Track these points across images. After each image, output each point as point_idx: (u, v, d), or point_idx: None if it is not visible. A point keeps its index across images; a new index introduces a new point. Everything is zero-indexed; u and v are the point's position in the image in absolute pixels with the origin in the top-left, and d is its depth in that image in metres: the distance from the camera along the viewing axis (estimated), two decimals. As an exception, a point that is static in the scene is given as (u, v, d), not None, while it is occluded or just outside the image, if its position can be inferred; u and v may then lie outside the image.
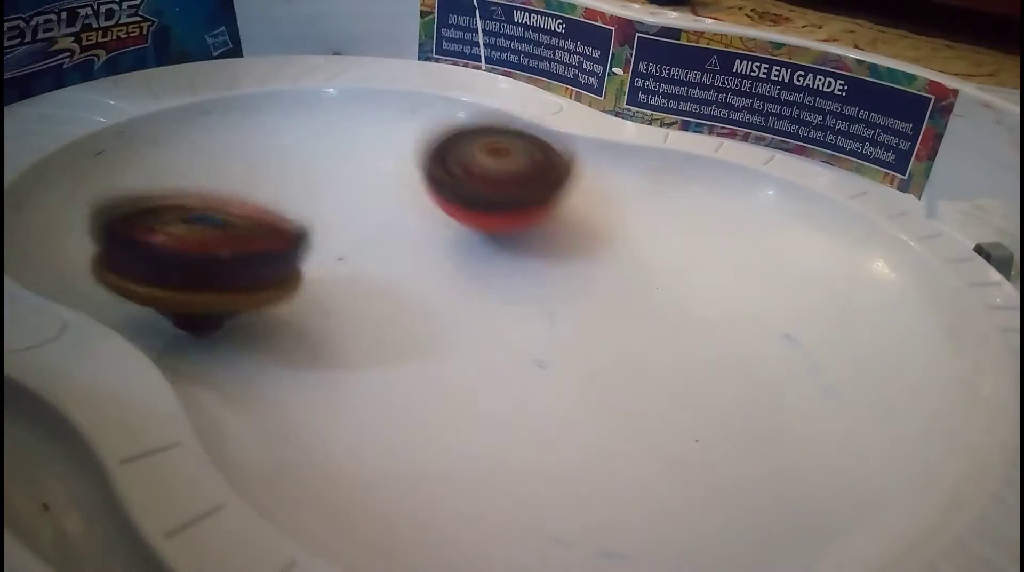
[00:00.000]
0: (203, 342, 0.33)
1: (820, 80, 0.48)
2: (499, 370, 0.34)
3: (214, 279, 0.30)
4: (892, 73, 0.46)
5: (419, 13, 0.56)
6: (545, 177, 0.39)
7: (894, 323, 0.37)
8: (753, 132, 0.51)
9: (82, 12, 0.46)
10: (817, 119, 0.49)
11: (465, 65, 0.56)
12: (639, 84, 0.52)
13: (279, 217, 0.32)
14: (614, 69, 0.52)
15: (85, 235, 0.31)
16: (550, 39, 0.54)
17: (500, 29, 0.55)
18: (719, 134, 0.51)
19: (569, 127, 0.48)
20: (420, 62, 0.57)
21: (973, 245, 0.40)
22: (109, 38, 0.48)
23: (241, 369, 0.32)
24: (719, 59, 0.50)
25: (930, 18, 0.76)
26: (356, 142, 0.48)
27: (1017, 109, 0.42)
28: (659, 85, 0.51)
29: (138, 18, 0.49)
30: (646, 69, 0.51)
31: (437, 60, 0.57)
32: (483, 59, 0.56)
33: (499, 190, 0.38)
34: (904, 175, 0.47)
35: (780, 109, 0.50)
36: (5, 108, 0.42)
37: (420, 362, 0.34)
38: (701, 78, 0.51)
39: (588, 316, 0.38)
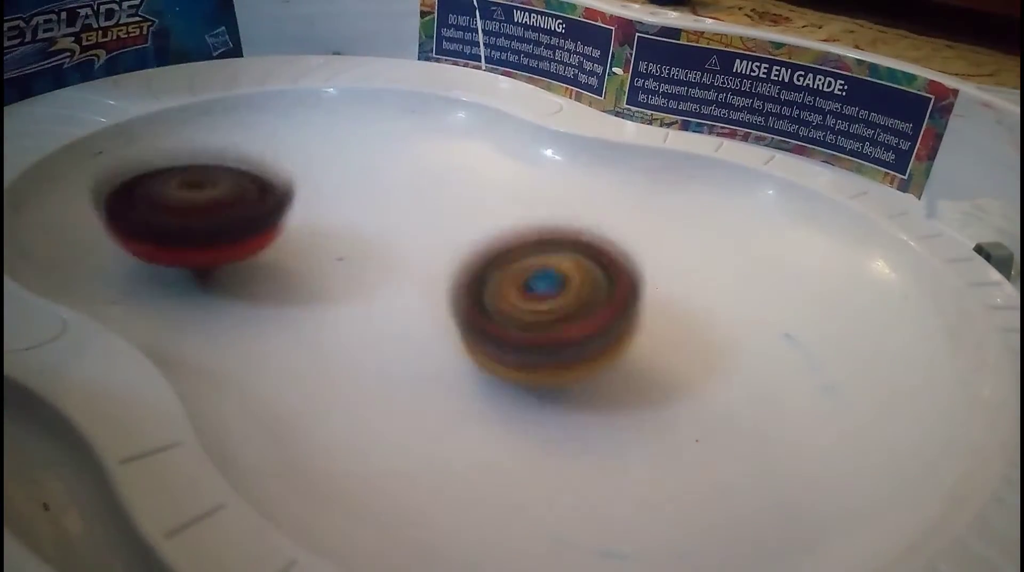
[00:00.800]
0: (204, 342, 0.33)
1: (820, 80, 0.48)
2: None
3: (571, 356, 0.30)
4: (892, 73, 0.46)
5: (419, 13, 0.56)
6: (253, 203, 0.35)
7: (894, 323, 0.37)
8: (753, 132, 0.51)
9: (82, 12, 0.46)
10: (817, 119, 0.49)
11: (465, 65, 0.56)
12: (639, 84, 0.52)
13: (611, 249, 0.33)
14: (614, 69, 0.52)
15: (85, 235, 0.31)
16: (550, 39, 0.54)
17: (500, 29, 0.55)
18: (719, 134, 0.51)
19: (569, 127, 0.48)
20: (420, 62, 0.57)
21: (973, 245, 0.40)
22: (109, 38, 0.48)
23: (241, 369, 0.32)
24: (719, 59, 0.50)
25: (930, 18, 0.76)
26: (356, 142, 0.48)
27: (1017, 109, 0.42)
28: (659, 85, 0.51)
29: (138, 18, 0.49)
30: (646, 69, 0.51)
31: (437, 60, 0.57)
32: (483, 59, 0.56)
33: (196, 219, 0.33)
34: (904, 175, 0.47)
35: (780, 109, 0.50)
36: (5, 108, 0.42)
37: (421, 362, 0.34)
38: (701, 78, 0.51)
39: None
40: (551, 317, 0.30)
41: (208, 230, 0.33)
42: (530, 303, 0.30)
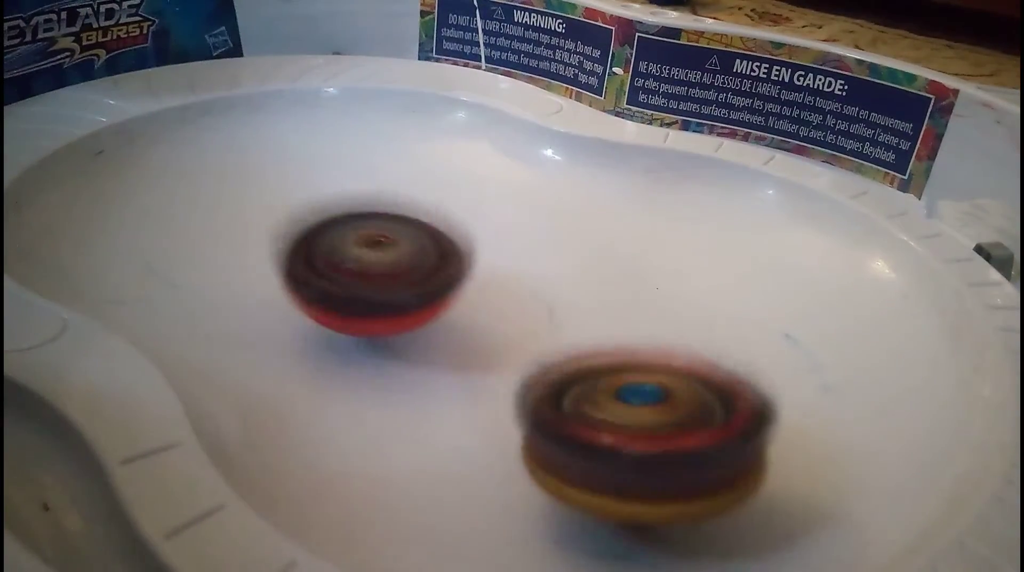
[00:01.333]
0: (204, 342, 0.33)
1: (820, 80, 0.48)
2: (499, 369, 0.34)
3: (677, 481, 0.24)
4: (892, 73, 0.46)
5: (419, 13, 0.56)
6: (436, 270, 0.32)
7: (894, 323, 0.37)
8: (753, 132, 0.51)
9: (82, 12, 0.46)
10: (817, 119, 0.49)
11: (465, 65, 0.56)
12: (639, 84, 0.52)
13: (725, 375, 0.26)
14: (614, 69, 0.52)
15: (85, 235, 0.31)
16: (550, 39, 0.54)
17: (500, 29, 0.55)
18: (719, 134, 0.51)
19: (569, 127, 0.48)
20: (420, 62, 0.57)
21: (973, 245, 0.40)
22: (109, 38, 0.48)
23: (242, 369, 0.32)
24: (719, 59, 0.50)
25: (930, 18, 0.76)
26: (356, 142, 0.48)
27: (1017, 109, 0.42)
28: (659, 85, 0.51)
29: (138, 18, 0.49)
30: (646, 69, 0.51)
31: (437, 60, 0.57)
32: (483, 59, 0.56)
33: (377, 288, 0.31)
34: (904, 175, 0.47)
35: (780, 109, 0.50)
36: (5, 108, 0.42)
37: (421, 361, 0.33)
38: (701, 78, 0.51)
39: (587, 315, 0.38)
40: (667, 421, 0.24)
41: (390, 302, 0.31)
42: (632, 411, 0.24)
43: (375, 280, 0.31)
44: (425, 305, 0.32)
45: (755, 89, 0.50)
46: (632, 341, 0.27)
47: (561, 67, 0.54)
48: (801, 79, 0.49)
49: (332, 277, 0.31)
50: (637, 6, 0.53)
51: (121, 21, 0.48)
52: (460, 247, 0.33)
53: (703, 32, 0.50)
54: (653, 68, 0.51)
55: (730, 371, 0.26)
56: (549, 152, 0.48)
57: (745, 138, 0.51)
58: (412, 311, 0.31)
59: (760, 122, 0.50)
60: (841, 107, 0.48)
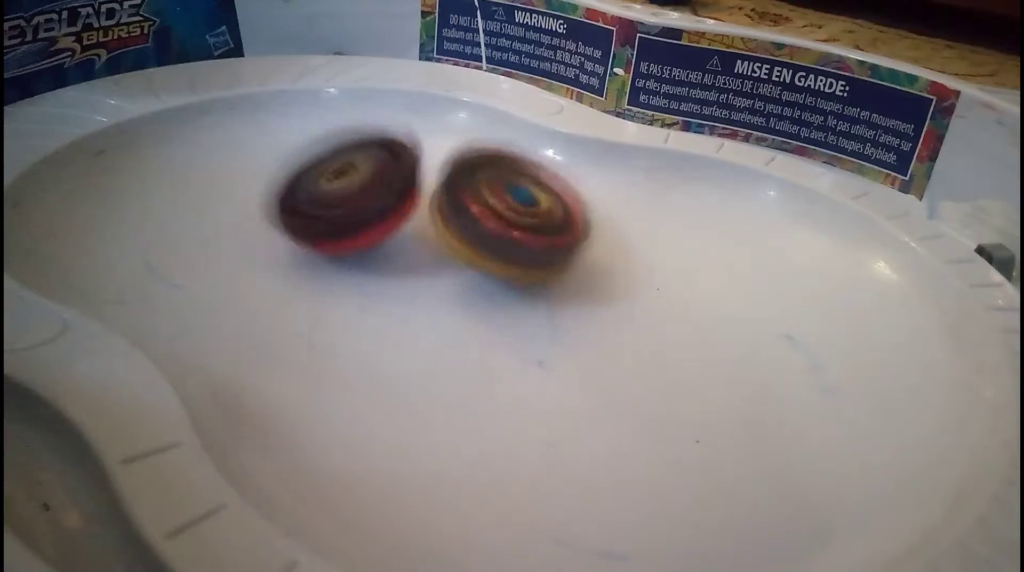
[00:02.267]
0: (201, 341, 0.33)
1: (821, 81, 0.48)
2: (499, 370, 0.34)
3: (512, 255, 0.35)
4: (893, 74, 0.46)
5: (420, 13, 0.56)
6: (396, 173, 0.37)
7: (895, 324, 0.37)
8: (754, 133, 0.51)
9: (83, 11, 0.46)
10: (818, 120, 0.49)
11: (466, 65, 0.56)
12: (640, 84, 0.52)
13: (577, 203, 0.37)
14: (615, 69, 0.52)
15: (85, 235, 0.31)
16: (551, 39, 0.54)
17: (501, 29, 0.55)
18: (720, 135, 0.51)
19: (570, 127, 0.48)
20: (421, 62, 0.57)
21: (975, 246, 0.40)
22: (110, 37, 0.48)
23: (242, 368, 0.32)
24: (720, 60, 0.50)
25: (930, 18, 0.76)
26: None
27: (1018, 110, 0.42)
28: (660, 85, 0.51)
29: (139, 18, 0.49)
30: (647, 69, 0.51)
31: (438, 60, 0.57)
32: (484, 59, 0.56)
33: (355, 207, 0.36)
34: (905, 176, 0.47)
35: (781, 110, 0.50)
36: (5, 108, 0.42)
37: (421, 361, 0.33)
38: (702, 79, 0.51)
39: (588, 315, 0.38)
40: (523, 220, 0.35)
41: (371, 211, 0.36)
42: (508, 202, 0.35)
43: (351, 200, 0.36)
44: (399, 200, 0.37)
45: (756, 90, 0.50)
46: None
47: (562, 67, 0.54)
48: (802, 80, 0.49)
49: (317, 214, 0.36)
50: (638, 7, 0.53)
51: (122, 21, 0.48)
52: (405, 142, 0.38)
53: (704, 33, 0.50)
54: (654, 69, 0.51)
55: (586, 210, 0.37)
56: (550, 152, 0.48)
57: (746, 139, 0.51)
58: (392, 210, 0.37)
59: (761, 123, 0.50)
60: (842, 108, 0.48)
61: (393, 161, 0.38)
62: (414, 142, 0.38)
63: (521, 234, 0.34)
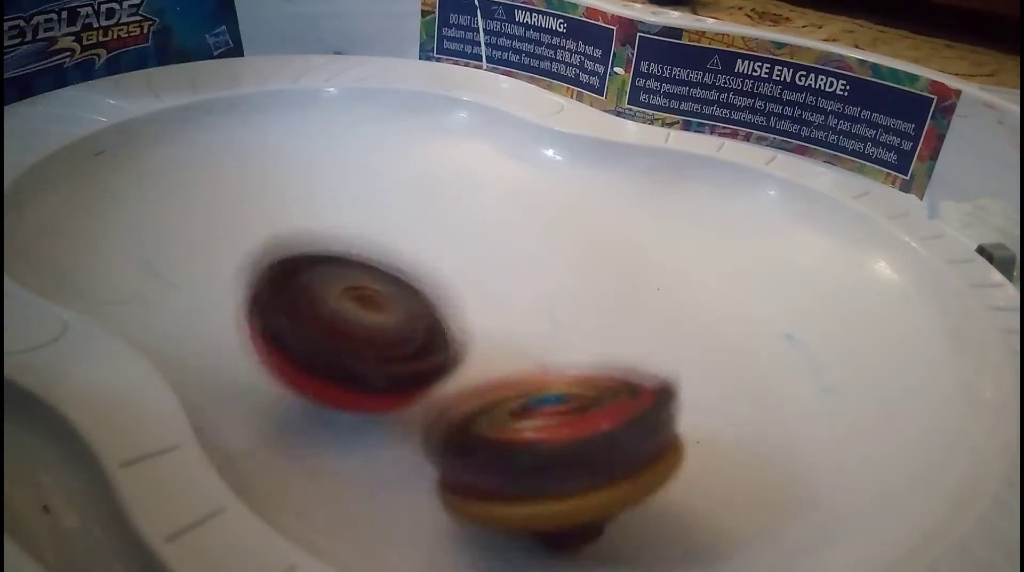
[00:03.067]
0: (201, 342, 0.33)
1: (822, 80, 0.48)
2: (498, 370, 0.34)
3: (599, 468, 0.23)
4: (894, 73, 0.46)
5: (420, 12, 0.56)
6: (420, 353, 0.28)
7: (895, 324, 0.37)
8: (755, 132, 0.51)
9: (83, 11, 0.46)
10: (819, 119, 0.49)
11: (466, 65, 0.56)
12: (640, 84, 0.52)
13: (624, 373, 0.25)
14: (615, 69, 0.52)
15: (85, 235, 0.31)
16: (551, 39, 0.54)
17: (501, 29, 0.55)
18: (721, 134, 0.51)
19: (570, 127, 0.48)
20: (421, 62, 0.57)
21: (975, 246, 0.39)
22: (110, 37, 0.48)
23: (241, 370, 0.32)
24: (721, 59, 0.50)
25: (930, 18, 0.75)
26: (357, 142, 0.48)
27: (1019, 109, 0.42)
28: (660, 85, 0.51)
29: (139, 17, 0.49)
30: (647, 69, 0.51)
31: (438, 60, 0.57)
32: (484, 59, 0.56)
33: (354, 353, 0.27)
34: (906, 175, 0.47)
35: (782, 109, 0.50)
36: (5, 108, 0.42)
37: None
38: (703, 78, 0.50)
39: (589, 316, 0.38)
40: (577, 406, 0.24)
41: (360, 375, 0.27)
42: (542, 414, 0.24)
43: (354, 344, 0.27)
44: (394, 392, 0.27)
45: (757, 89, 0.50)
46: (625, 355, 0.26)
47: (562, 67, 0.54)
48: (803, 79, 0.48)
49: (308, 330, 0.26)
50: (638, 6, 0.53)
51: (122, 21, 0.48)
52: (452, 332, 0.28)
53: (704, 32, 0.50)
54: (654, 68, 0.51)
55: (624, 368, 0.25)
56: (550, 152, 0.48)
57: (747, 138, 0.51)
58: (377, 394, 0.27)
59: (762, 122, 0.50)
60: (843, 107, 0.48)
61: (425, 336, 0.28)
62: (462, 337, 0.29)
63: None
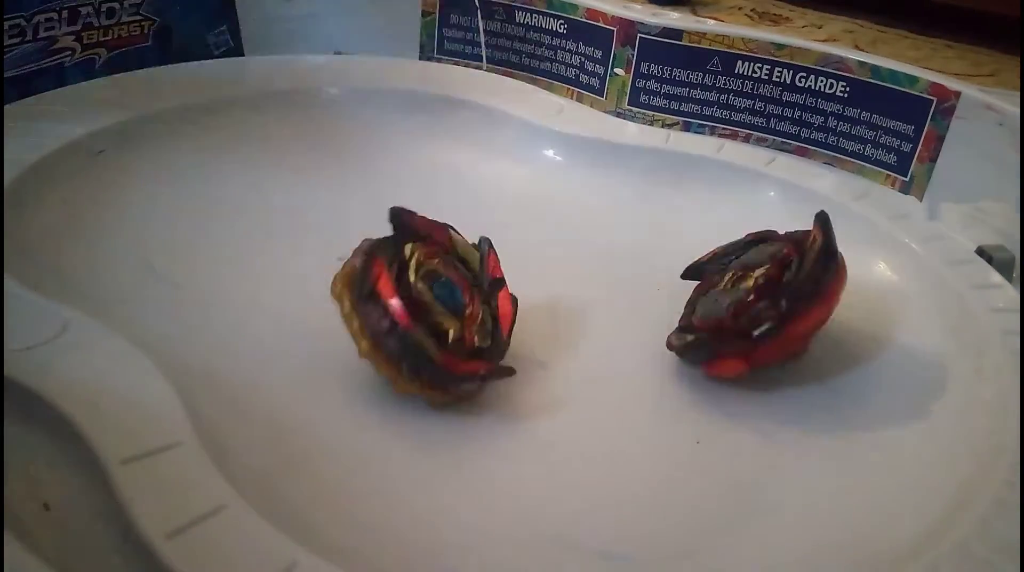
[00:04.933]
0: (202, 341, 0.33)
1: (822, 81, 0.48)
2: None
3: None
4: (894, 75, 0.46)
5: (420, 13, 0.56)
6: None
7: (895, 325, 0.37)
8: (755, 133, 0.51)
9: (83, 11, 0.46)
10: (819, 120, 0.49)
11: (466, 65, 0.56)
12: (641, 85, 0.52)
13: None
14: (616, 69, 0.52)
15: (85, 235, 0.31)
16: (552, 39, 0.54)
17: (501, 29, 0.55)
18: (721, 135, 0.51)
19: (570, 127, 0.48)
20: (421, 62, 0.57)
21: (975, 247, 0.39)
22: (110, 37, 0.48)
23: (242, 368, 0.32)
24: (721, 60, 0.50)
25: (930, 18, 0.75)
26: (357, 142, 0.48)
27: (1019, 110, 0.42)
28: (661, 86, 0.51)
29: (139, 17, 0.49)
30: (648, 70, 0.51)
31: (438, 60, 0.57)
32: (484, 59, 0.56)
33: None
34: (906, 177, 0.47)
35: (782, 110, 0.50)
36: (5, 107, 0.42)
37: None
38: (703, 79, 0.51)
39: (589, 315, 0.38)
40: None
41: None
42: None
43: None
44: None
45: (757, 90, 0.50)
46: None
47: (562, 68, 0.54)
48: (803, 80, 0.49)
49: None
50: (638, 7, 0.53)
51: (122, 20, 0.48)
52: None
53: (704, 33, 0.50)
54: (654, 69, 0.51)
55: None
56: (550, 153, 0.48)
57: (747, 139, 0.51)
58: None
59: (762, 123, 0.50)
60: (843, 109, 0.48)
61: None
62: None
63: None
